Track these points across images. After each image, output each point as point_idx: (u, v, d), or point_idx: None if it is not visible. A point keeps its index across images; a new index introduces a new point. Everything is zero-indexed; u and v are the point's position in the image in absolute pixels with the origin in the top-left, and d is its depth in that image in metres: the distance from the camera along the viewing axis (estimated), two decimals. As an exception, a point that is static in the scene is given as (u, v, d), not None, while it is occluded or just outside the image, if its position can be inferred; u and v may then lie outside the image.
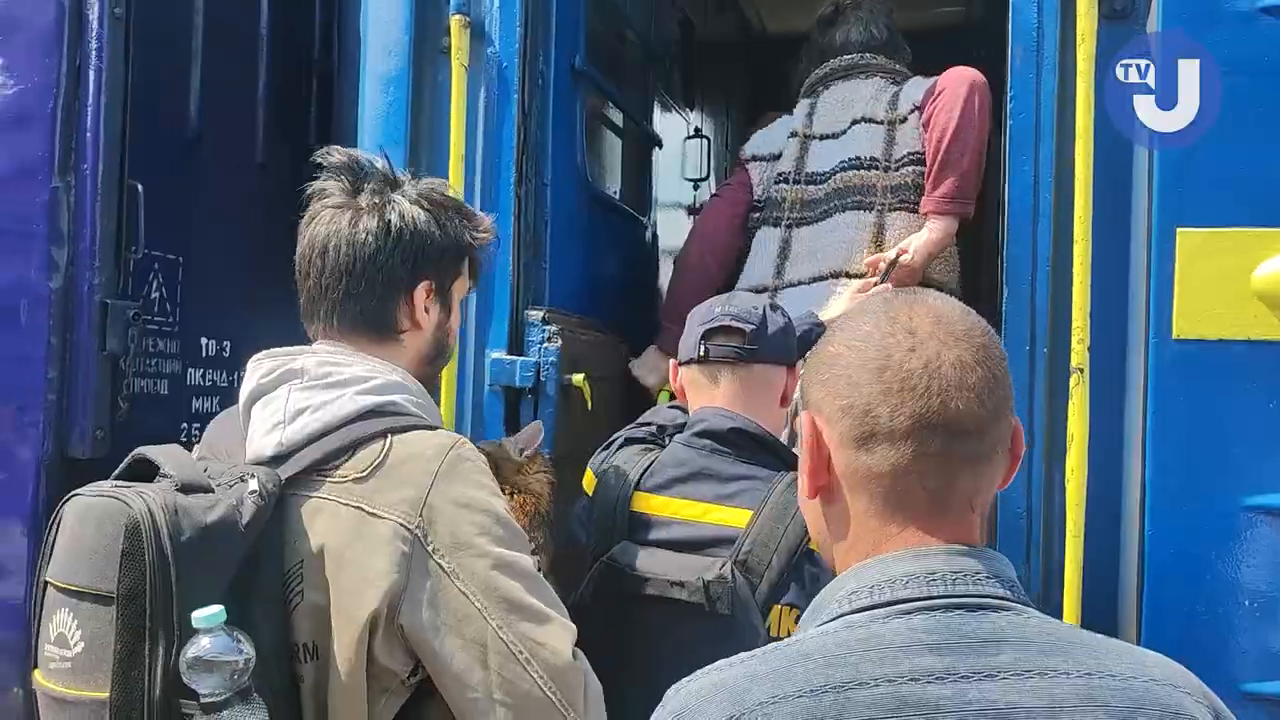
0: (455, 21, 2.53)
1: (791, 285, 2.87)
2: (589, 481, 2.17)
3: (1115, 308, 2.22)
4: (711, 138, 5.10)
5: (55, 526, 1.46)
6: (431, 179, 1.77)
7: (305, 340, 1.67)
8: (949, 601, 1.00)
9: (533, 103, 2.60)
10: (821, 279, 2.83)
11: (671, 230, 4.57)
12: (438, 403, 2.46)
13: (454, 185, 2.51)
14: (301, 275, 1.66)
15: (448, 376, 2.49)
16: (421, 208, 1.65)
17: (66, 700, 1.38)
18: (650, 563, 1.94)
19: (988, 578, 1.02)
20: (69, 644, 1.38)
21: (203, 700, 1.32)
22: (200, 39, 3.29)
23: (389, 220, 1.61)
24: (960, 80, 2.81)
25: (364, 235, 1.60)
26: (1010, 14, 2.30)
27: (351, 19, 3.64)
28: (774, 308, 2.15)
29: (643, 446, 2.13)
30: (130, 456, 1.56)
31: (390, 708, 1.48)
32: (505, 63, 2.55)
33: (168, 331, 3.22)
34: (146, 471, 1.51)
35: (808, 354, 1.16)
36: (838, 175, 2.97)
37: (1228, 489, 2.13)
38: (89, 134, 2.85)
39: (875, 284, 2.70)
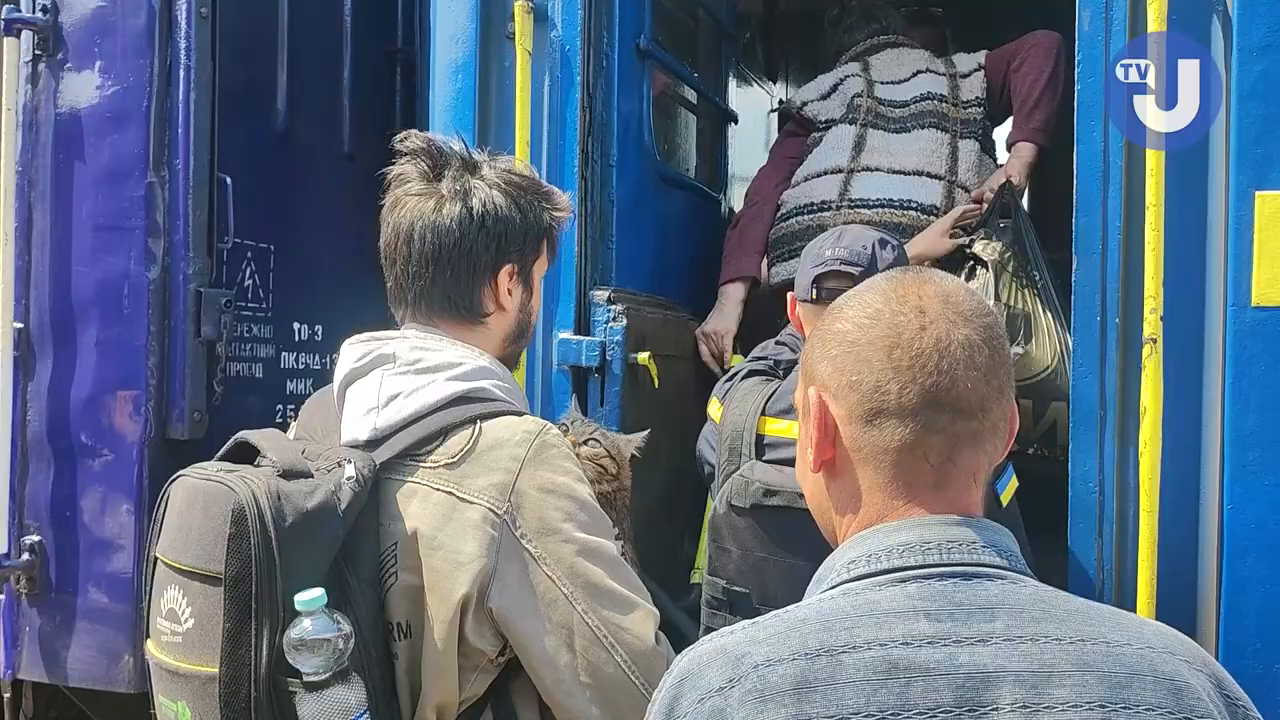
0: (519, 8, 2.56)
1: (868, 170, 3.14)
2: (715, 409, 2.42)
3: (1190, 275, 2.14)
4: (797, 111, 5.05)
5: (164, 504, 1.53)
6: (508, 158, 1.78)
7: (393, 324, 1.71)
8: (945, 570, 1.01)
9: (597, 84, 2.62)
10: (901, 173, 3.10)
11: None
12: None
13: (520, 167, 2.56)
14: (388, 262, 1.68)
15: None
16: (501, 190, 1.66)
17: (179, 673, 1.44)
18: (779, 478, 2.19)
19: (984, 547, 1.03)
20: (180, 619, 1.44)
21: (305, 679, 1.37)
22: (285, 34, 3.41)
23: (471, 206, 1.62)
24: (1049, 38, 3.17)
25: (448, 222, 1.61)
26: (1077, -25, 2.23)
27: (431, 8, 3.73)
28: (883, 243, 2.24)
29: (764, 377, 2.39)
30: (232, 440, 1.61)
31: (480, 684, 1.53)
32: (568, 46, 2.58)
33: (261, 317, 3.36)
34: (248, 454, 1.56)
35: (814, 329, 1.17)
36: (914, 104, 3.28)
37: (1312, 462, 2.05)
38: (180, 130, 2.98)
39: (980, 212, 2.95)
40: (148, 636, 1.53)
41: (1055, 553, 2.23)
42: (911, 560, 1.02)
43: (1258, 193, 2.08)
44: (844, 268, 2.21)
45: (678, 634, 2.69)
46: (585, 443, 1.90)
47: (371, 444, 1.53)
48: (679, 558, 2.81)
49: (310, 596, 1.37)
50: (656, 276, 2.91)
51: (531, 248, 1.70)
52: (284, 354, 3.47)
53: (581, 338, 2.54)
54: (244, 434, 1.59)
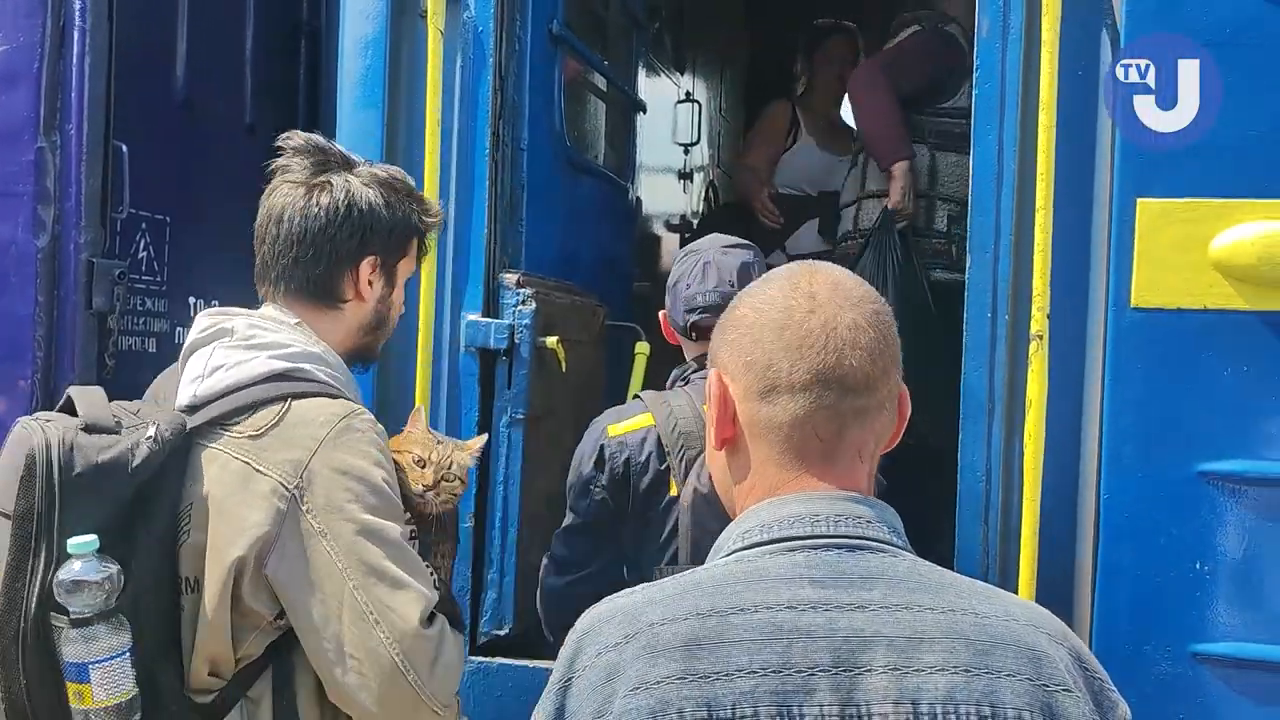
0: (432, -14, 2.55)
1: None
2: (642, 422, 2.29)
3: (1076, 276, 2.25)
4: (704, 102, 5.11)
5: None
6: (388, 165, 1.90)
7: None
8: (830, 541, 1.09)
9: (509, 67, 2.62)
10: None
11: (661, 194, 4.60)
12: (409, 369, 2.52)
13: (430, 148, 2.55)
14: (258, 241, 1.77)
15: (424, 339, 2.54)
16: (373, 187, 1.77)
17: None
18: None
19: (868, 522, 1.11)
20: None
21: (71, 616, 1.47)
22: (185, 2, 3.32)
23: (338, 196, 1.73)
24: (859, 74, 3.63)
25: (315, 209, 1.72)
26: (978, -16, 2.31)
27: (340, -19, 3.67)
28: (744, 267, 2.25)
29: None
30: (65, 394, 1.70)
31: (258, 644, 1.62)
32: (481, 27, 2.57)
33: (156, 290, 3.28)
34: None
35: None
36: None
37: (1182, 455, 2.17)
38: (74, 94, 2.88)
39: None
40: None
41: (941, 539, 2.33)
42: (800, 531, 1.09)
43: (1139, 199, 2.19)
44: (712, 315, 2.19)
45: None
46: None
47: (191, 410, 1.63)
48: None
49: (82, 541, 1.47)
50: (563, 262, 2.92)
51: (397, 244, 1.80)
52: (178, 329, 3.38)
53: (490, 320, 2.54)
54: (70, 389, 1.68)
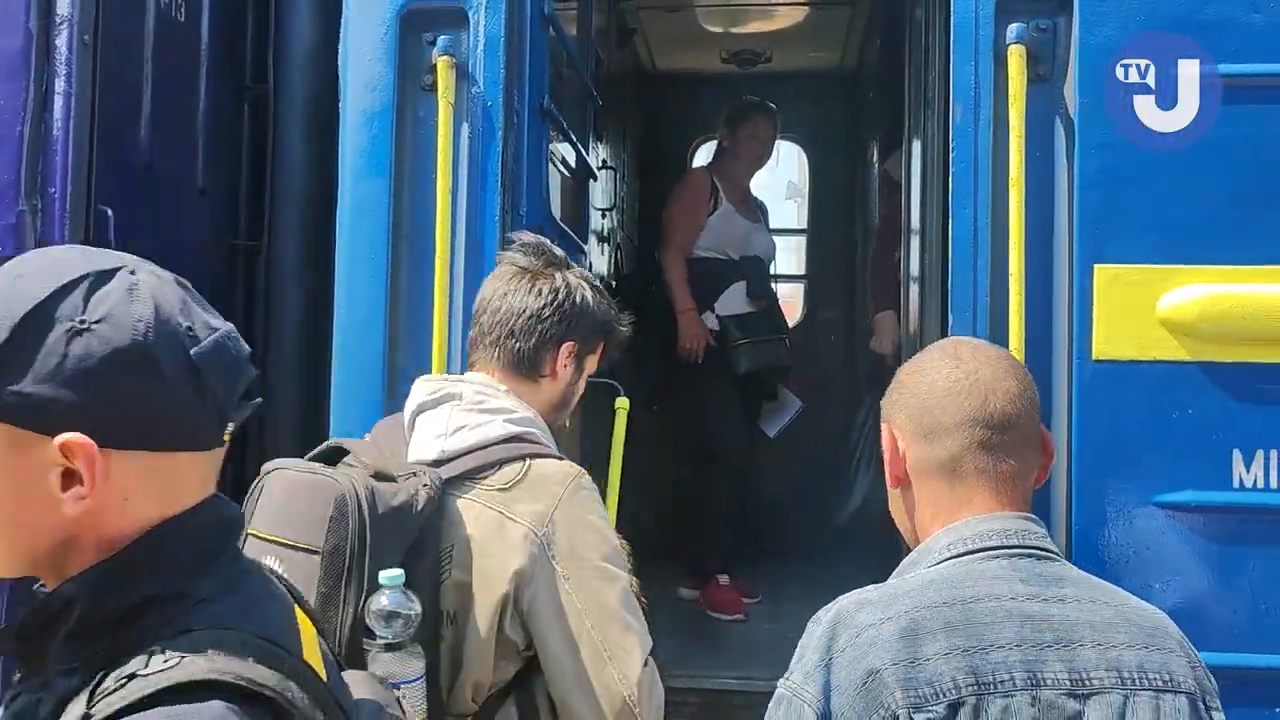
0: (442, 62, 2.68)
1: None
2: None
3: (1044, 332, 2.55)
4: (616, 169, 5.35)
5: (259, 490, 1.82)
6: (587, 273, 2.23)
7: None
8: (1023, 551, 1.43)
9: (509, 139, 2.77)
10: None
11: (592, 257, 4.77)
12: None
13: (442, 217, 2.66)
14: (478, 313, 2.09)
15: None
16: (586, 287, 2.10)
17: None
18: None
19: (1042, 535, 1.47)
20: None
21: (380, 641, 1.67)
22: (150, 66, 3.34)
23: (558, 286, 2.05)
24: None
25: (537, 294, 2.04)
26: (951, 76, 2.61)
27: (286, 47, 3.74)
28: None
29: None
30: (326, 444, 1.95)
31: (508, 670, 1.86)
32: (490, 102, 2.72)
33: (119, 355, 3.23)
34: (334, 457, 1.89)
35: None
36: None
37: (1142, 489, 2.48)
38: (57, 158, 2.88)
39: None
40: None
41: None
42: (999, 542, 1.43)
43: (1096, 265, 2.52)
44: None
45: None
46: None
47: (438, 463, 1.86)
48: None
49: (394, 574, 1.69)
50: (548, 322, 3.06)
51: (593, 340, 2.13)
52: (138, 392, 3.34)
53: (503, 379, 2.66)
54: (338, 440, 1.93)
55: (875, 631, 1.33)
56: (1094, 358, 2.52)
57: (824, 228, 6.65)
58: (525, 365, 2.03)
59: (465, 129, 2.73)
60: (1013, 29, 2.54)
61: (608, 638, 1.79)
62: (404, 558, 1.73)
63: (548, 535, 1.82)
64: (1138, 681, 1.33)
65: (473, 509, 1.83)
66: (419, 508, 1.74)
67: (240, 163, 3.84)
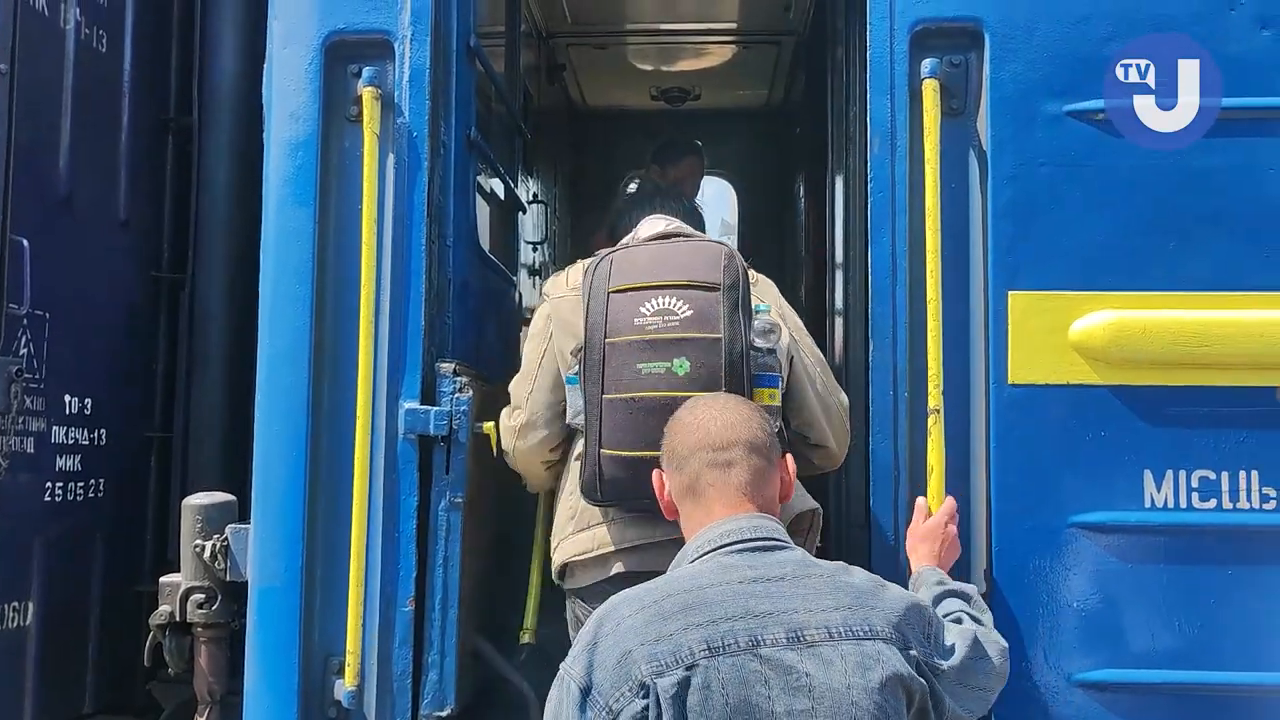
0: (367, 93, 2.68)
1: None
2: None
3: (962, 358, 2.61)
4: (547, 203, 5.38)
5: (609, 264, 2.50)
6: None
7: None
8: (753, 543, 1.86)
9: (435, 169, 2.77)
10: None
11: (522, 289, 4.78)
12: (345, 457, 2.61)
13: (367, 244, 2.65)
14: None
15: (361, 427, 2.61)
16: None
17: (683, 340, 2.34)
18: None
19: (773, 529, 1.90)
20: (676, 313, 2.36)
21: (762, 346, 2.42)
22: (70, 96, 3.30)
23: None
24: None
25: None
26: (869, 109, 2.68)
27: (210, 79, 3.71)
28: None
29: None
30: None
31: None
32: (415, 132, 2.72)
33: (35, 389, 3.17)
34: None
35: None
36: None
37: (1056, 509, 2.55)
38: (-29, 188, 2.81)
39: None
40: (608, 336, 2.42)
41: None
42: (734, 539, 1.87)
43: (1010, 292, 2.59)
44: None
45: (510, 687, 2.81)
46: None
47: None
48: (511, 618, 2.93)
49: (763, 305, 2.49)
50: (476, 350, 3.06)
51: None
52: (55, 428, 3.26)
53: (430, 407, 2.65)
54: None
55: (631, 620, 1.73)
56: (1010, 382, 2.58)
57: (755, 262, 6.72)
58: None
59: (391, 159, 2.73)
60: (926, 64, 2.62)
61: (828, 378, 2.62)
62: None
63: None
64: (842, 634, 1.74)
65: None
66: None
67: (163, 195, 3.80)
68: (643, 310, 2.36)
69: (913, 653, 1.79)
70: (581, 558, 2.46)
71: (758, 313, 2.42)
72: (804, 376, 2.53)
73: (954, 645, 1.95)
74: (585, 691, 1.70)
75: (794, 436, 2.51)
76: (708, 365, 2.31)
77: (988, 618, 2.20)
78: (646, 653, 1.68)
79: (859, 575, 1.88)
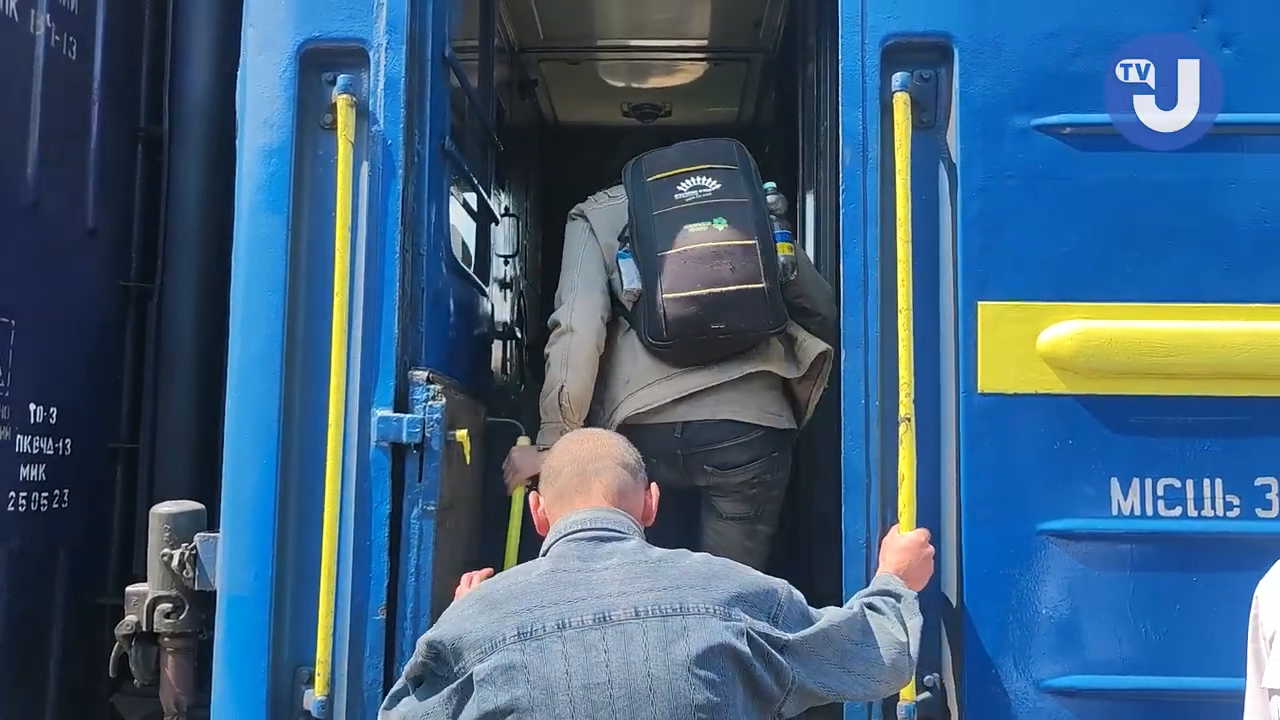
0: (342, 101, 2.68)
1: None
2: None
3: (933, 366, 2.63)
4: (518, 217, 5.38)
5: (644, 162, 3.23)
6: None
7: None
8: (588, 533, 2.06)
9: (409, 177, 2.77)
10: None
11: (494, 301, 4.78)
12: (317, 465, 2.58)
13: (340, 252, 2.65)
14: None
15: (334, 435, 2.59)
16: None
17: (718, 203, 3.02)
18: None
19: (615, 522, 2.09)
20: (707, 186, 3.03)
21: (773, 215, 3.13)
22: (39, 103, 3.27)
23: None
24: None
25: None
26: (841, 121, 2.71)
27: (182, 88, 3.70)
28: None
29: None
30: None
31: None
32: (390, 141, 2.72)
33: (1, 397, 3.12)
34: None
35: None
36: None
37: (1026, 516, 2.57)
38: (-65, 194, 2.78)
39: None
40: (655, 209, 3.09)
41: (833, 598, 2.60)
42: (571, 530, 2.07)
43: (980, 302, 2.62)
44: None
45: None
46: None
47: None
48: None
49: (771, 185, 3.18)
50: (448, 360, 3.05)
51: None
52: (19, 437, 3.22)
53: (402, 415, 2.64)
54: None
55: (466, 608, 1.97)
56: (979, 391, 2.61)
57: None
58: None
59: (365, 167, 2.73)
60: (897, 78, 2.65)
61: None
62: None
63: None
64: (650, 612, 1.90)
65: None
66: None
67: (133, 204, 3.77)
68: (679, 189, 3.01)
69: (741, 625, 1.93)
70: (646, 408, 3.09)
71: (767, 190, 3.10)
72: (797, 254, 3.16)
73: (816, 621, 2.07)
74: (418, 681, 1.97)
75: (791, 305, 3.11)
76: (740, 221, 2.95)
77: (915, 622, 2.24)
78: (471, 639, 1.90)
79: (693, 559, 2.04)
